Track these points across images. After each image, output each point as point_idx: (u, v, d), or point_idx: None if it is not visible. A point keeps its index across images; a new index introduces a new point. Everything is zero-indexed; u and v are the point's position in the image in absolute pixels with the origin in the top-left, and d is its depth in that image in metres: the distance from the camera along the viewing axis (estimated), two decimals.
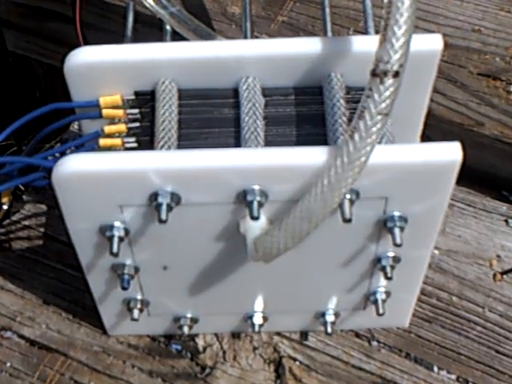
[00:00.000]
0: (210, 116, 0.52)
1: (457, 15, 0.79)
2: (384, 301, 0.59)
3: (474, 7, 0.79)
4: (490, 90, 0.73)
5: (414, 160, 0.46)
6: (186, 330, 0.62)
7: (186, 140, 0.51)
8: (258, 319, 0.62)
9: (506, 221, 0.72)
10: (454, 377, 0.64)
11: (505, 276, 0.68)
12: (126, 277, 0.55)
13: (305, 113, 0.52)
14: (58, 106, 0.53)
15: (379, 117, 0.44)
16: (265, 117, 0.52)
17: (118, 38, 0.78)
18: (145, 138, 0.52)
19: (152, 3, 0.58)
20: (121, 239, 0.50)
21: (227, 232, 0.51)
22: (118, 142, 0.51)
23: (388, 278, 0.55)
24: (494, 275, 0.68)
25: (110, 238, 0.50)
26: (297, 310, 0.63)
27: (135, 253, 0.53)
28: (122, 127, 0.52)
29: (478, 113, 0.71)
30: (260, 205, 0.47)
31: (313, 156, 0.46)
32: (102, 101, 0.53)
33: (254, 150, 0.47)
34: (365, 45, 0.52)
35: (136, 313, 0.59)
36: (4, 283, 0.68)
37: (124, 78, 0.52)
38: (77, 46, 0.51)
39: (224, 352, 0.65)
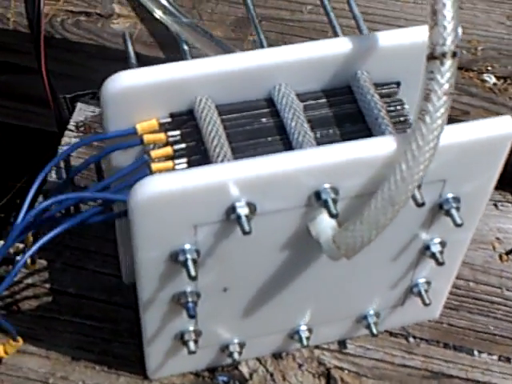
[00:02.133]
0: (252, 127, 0.53)
1: (415, 16, 0.83)
2: (427, 291, 0.61)
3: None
4: (466, 81, 0.77)
5: (476, 137, 0.48)
6: (236, 356, 0.61)
7: (239, 153, 0.51)
8: (304, 333, 0.62)
9: (496, 205, 0.76)
10: (495, 357, 0.66)
11: (510, 256, 0.72)
12: (191, 304, 0.53)
13: (340, 113, 0.54)
14: (96, 138, 0.52)
15: (445, 97, 0.46)
16: (307, 120, 0.53)
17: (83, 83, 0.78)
18: (194, 157, 0.51)
19: (162, 15, 0.58)
20: (194, 262, 0.49)
21: (294, 239, 0.52)
22: (169, 164, 0.51)
23: (440, 264, 0.56)
24: (500, 256, 0.71)
25: (184, 262, 0.49)
26: (339, 318, 0.63)
27: (200, 276, 0.52)
28: (169, 150, 0.52)
29: (460, 103, 0.76)
30: (334, 202, 0.48)
31: (385, 146, 0.48)
32: (140, 127, 0.52)
33: (327, 148, 0.48)
34: (387, 40, 0.54)
35: (192, 345, 0.58)
36: (25, 347, 0.64)
37: (159, 100, 0.52)
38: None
39: (271, 374, 0.64)
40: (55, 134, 0.86)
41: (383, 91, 0.54)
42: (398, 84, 0.55)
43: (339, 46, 0.54)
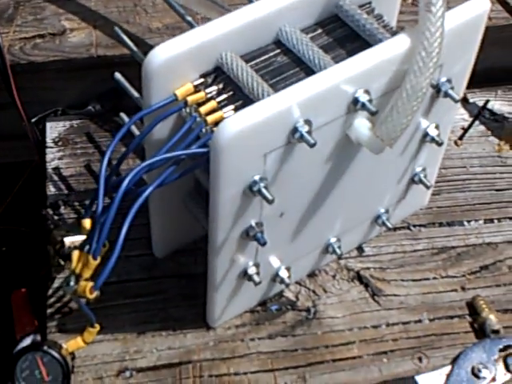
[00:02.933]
0: (274, 67, 0.59)
1: None
2: (425, 176, 0.71)
3: None
4: None
5: (464, 19, 0.58)
6: (287, 280, 0.67)
7: (277, 86, 0.58)
8: (336, 243, 0.70)
9: None
10: (481, 222, 0.78)
11: (462, 140, 0.83)
12: (259, 234, 0.60)
13: (338, 36, 0.62)
14: (141, 114, 0.57)
15: None
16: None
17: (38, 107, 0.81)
18: (238, 103, 0.57)
19: None
20: (267, 188, 0.56)
21: (336, 149, 0.59)
22: (220, 114, 0.57)
23: (440, 144, 0.66)
24: (455, 143, 0.83)
25: (259, 190, 0.55)
26: (359, 222, 0.71)
27: (264, 205, 0.58)
28: (213, 104, 0.57)
29: None
30: (370, 102, 0.56)
31: (402, 42, 0.56)
32: (179, 93, 0.57)
33: (357, 58, 0.56)
34: None
35: (256, 277, 0.64)
36: None
37: (190, 65, 0.57)
38: None
39: (313, 291, 0.71)
40: (18, 164, 0.88)
41: (365, 11, 0.63)
42: (370, 3, 0.64)
43: None
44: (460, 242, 0.76)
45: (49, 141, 0.82)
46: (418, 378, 0.66)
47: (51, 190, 0.78)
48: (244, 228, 0.59)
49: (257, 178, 0.55)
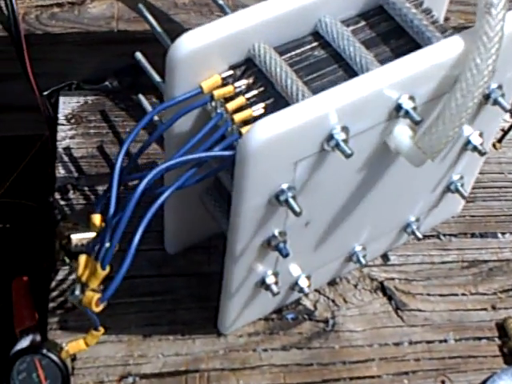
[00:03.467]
0: (310, 62, 0.54)
1: None
2: (462, 185, 0.65)
3: None
4: None
5: None
6: (306, 290, 0.63)
7: (311, 86, 0.52)
8: (361, 252, 0.65)
9: None
10: None
11: (501, 143, 0.78)
12: (282, 244, 0.55)
13: (382, 31, 0.56)
14: (165, 106, 0.52)
15: None
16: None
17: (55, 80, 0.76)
18: (268, 101, 0.52)
19: None
20: (295, 198, 0.51)
21: (371, 157, 0.54)
22: (249, 112, 0.51)
23: (483, 154, 0.61)
24: (494, 145, 0.77)
25: (287, 201, 0.50)
26: (388, 230, 0.66)
27: (289, 215, 0.53)
28: (242, 100, 0.52)
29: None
30: (415, 110, 0.51)
31: (454, 46, 0.51)
32: (205, 85, 0.52)
33: (403, 60, 0.50)
34: None
35: (274, 287, 0.59)
36: None
37: (219, 56, 0.52)
38: None
39: (333, 300, 0.67)
40: (28, 137, 0.83)
41: (413, 4, 0.57)
42: None
43: None
44: (493, 255, 0.71)
45: (61, 117, 0.77)
46: None
47: (60, 171, 0.73)
48: (266, 237, 0.55)
49: (285, 186, 0.50)
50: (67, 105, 0.78)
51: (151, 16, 0.60)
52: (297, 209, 0.50)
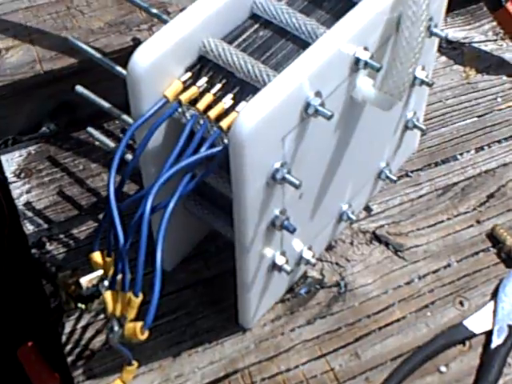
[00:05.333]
0: (259, 43, 0.55)
1: None
2: (418, 120, 0.69)
3: None
4: None
5: None
6: (313, 260, 0.64)
7: (269, 63, 0.54)
8: (349, 210, 0.67)
9: None
10: (473, 151, 0.77)
11: None
12: (286, 222, 0.56)
13: None
14: (137, 125, 0.52)
15: None
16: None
17: None
18: (235, 90, 0.53)
19: None
20: (289, 173, 0.52)
21: (343, 114, 0.56)
22: (221, 106, 0.52)
23: (430, 85, 0.64)
24: None
25: (284, 178, 0.52)
26: (365, 182, 0.69)
27: (286, 190, 0.55)
28: (210, 97, 0.53)
29: None
30: (372, 58, 0.53)
31: None
32: (169, 94, 0.53)
33: (351, 16, 0.52)
34: None
35: (287, 266, 0.60)
36: None
37: (175, 60, 0.53)
38: None
39: (336, 263, 0.69)
40: None
41: None
42: None
43: None
44: (460, 176, 0.74)
45: (9, 175, 0.75)
46: (465, 323, 0.64)
47: (29, 228, 0.72)
48: (270, 219, 0.56)
49: (277, 165, 0.52)
50: (11, 162, 0.76)
51: (85, 44, 0.60)
52: (296, 182, 0.52)
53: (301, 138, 0.53)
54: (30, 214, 0.72)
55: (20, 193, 0.74)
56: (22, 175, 0.75)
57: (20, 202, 0.73)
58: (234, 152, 0.48)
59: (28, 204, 0.73)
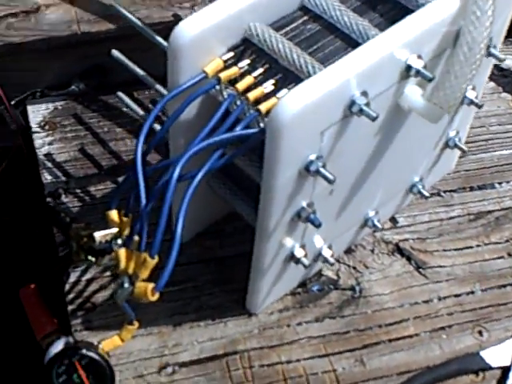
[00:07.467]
0: (307, 35, 0.55)
1: None
2: (460, 140, 0.68)
3: None
4: None
5: None
6: (331, 260, 0.64)
7: (316, 56, 0.54)
8: (375, 217, 0.67)
9: None
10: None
11: None
12: (312, 216, 0.56)
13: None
14: (172, 95, 0.52)
15: None
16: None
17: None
18: (277, 76, 0.53)
19: None
20: (324, 167, 0.52)
21: (387, 119, 0.56)
22: (261, 90, 0.52)
23: (479, 107, 0.63)
24: None
25: (317, 171, 0.52)
26: (396, 192, 0.68)
27: (318, 184, 0.55)
28: (251, 79, 0.53)
29: None
30: (425, 68, 0.53)
31: (453, 2, 0.53)
32: (209, 70, 0.53)
33: (407, 22, 0.52)
34: None
35: (305, 260, 0.60)
36: None
37: (218, 39, 0.53)
38: None
39: (354, 267, 0.68)
40: None
41: None
42: None
43: None
44: (495, 205, 0.73)
45: (34, 125, 0.76)
46: (483, 353, 0.63)
47: (47, 177, 0.72)
48: (296, 210, 0.56)
49: (313, 157, 0.52)
50: (37, 113, 0.77)
51: (128, 13, 0.61)
52: (330, 176, 0.52)
53: (340, 135, 0.53)
54: (49, 164, 0.73)
55: (42, 143, 0.75)
56: (47, 127, 0.76)
57: (41, 152, 0.74)
58: (272, 136, 0.48)
59: (48, 155, 0.74)
